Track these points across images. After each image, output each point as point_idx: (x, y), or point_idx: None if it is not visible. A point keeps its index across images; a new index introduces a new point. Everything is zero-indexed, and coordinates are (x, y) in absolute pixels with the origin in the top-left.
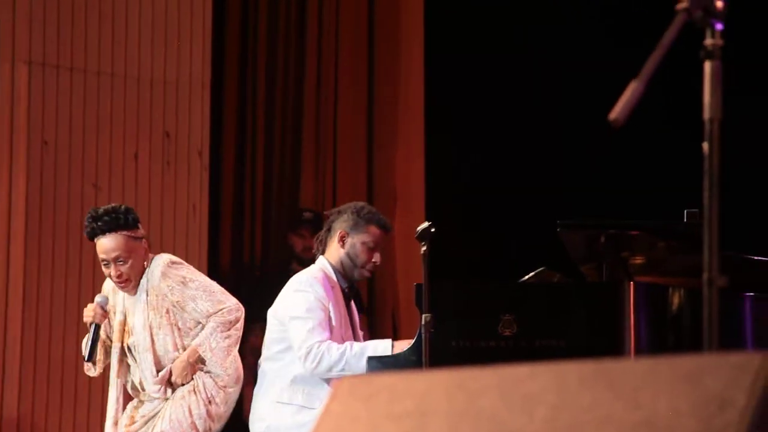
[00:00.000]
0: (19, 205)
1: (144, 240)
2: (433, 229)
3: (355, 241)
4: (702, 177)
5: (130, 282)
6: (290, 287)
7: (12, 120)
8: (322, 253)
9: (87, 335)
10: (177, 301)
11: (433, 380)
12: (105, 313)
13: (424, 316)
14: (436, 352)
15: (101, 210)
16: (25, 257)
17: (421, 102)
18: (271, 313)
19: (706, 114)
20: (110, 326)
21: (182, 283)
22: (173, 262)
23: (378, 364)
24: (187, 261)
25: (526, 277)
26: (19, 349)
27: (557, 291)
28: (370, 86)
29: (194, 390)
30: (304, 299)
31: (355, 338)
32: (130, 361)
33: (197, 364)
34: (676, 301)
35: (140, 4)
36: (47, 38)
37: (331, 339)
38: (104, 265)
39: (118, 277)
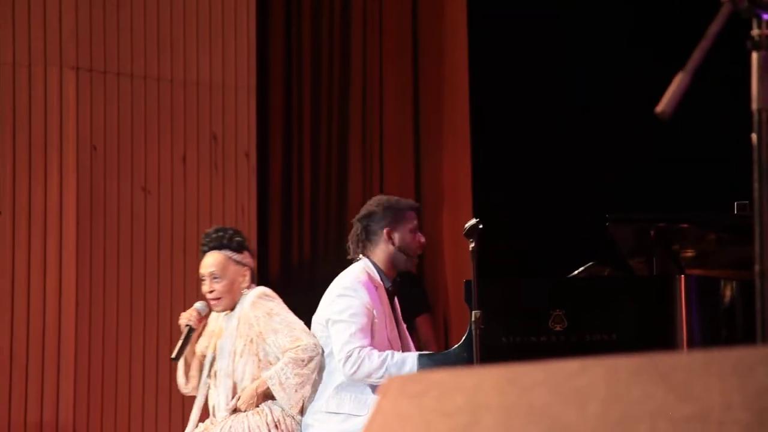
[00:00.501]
0: (69, 210)
1: (247, 268)
2: (481, 226)
3: (402, 232)
4: (751, 168)
5: (221, 301)
6: (334, 291)
7: (61, 126)
8: (362, 254)
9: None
10: (260, 332)
11: (483, 376)
12: (201, 319)
13: (473, 312)
14: (487, 348)
15: (213, 229)
16: (77, 262)
17: (466, 99)
18: (315, 319)
19: (755, 105)
20: (202, 340)
21: (268, 314)
22: (266, 294)
23: (428, 361)
24: None
25: (576, 272)
26: (73, 354)
27: (607, 285)
28: (416, 86)
29: (259, 412)
30: (348, 303)
31: (401, 336)
32: (211, 383)
33: (264, 396)
34: (727, 293)
35: (185, 9)
36: (94, 44)
37: (374, 342)
38: (202, 280)
39: (210, 292)
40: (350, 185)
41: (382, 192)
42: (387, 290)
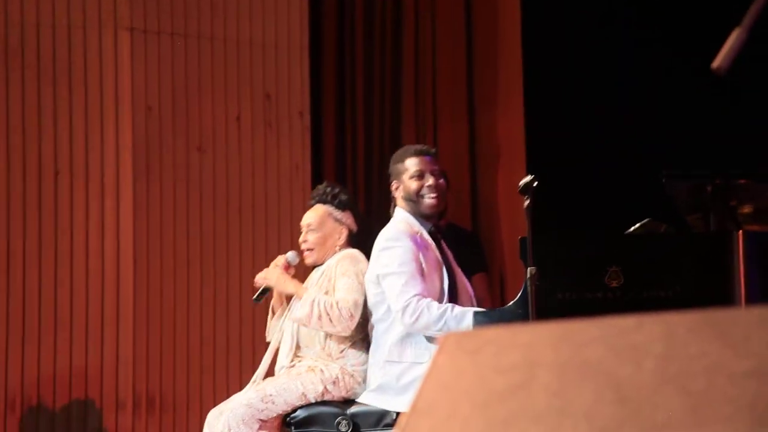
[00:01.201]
0: (126, 170)
1: (345, 228)
2: (536, 183)
3: (403, 182)
4: None
5: (312, 253)
6: (378, 246)
7: (116, 87)
8: (395, 206)
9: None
10: (334, 285)
11: (539, 333)
12: (287, 267)
13: (529, 269)
14: (542, 305)
15: (324, 184)
16: (134, 221)
17: (519, 55)
18: (367, 278)
19: None
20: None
21: (344, 274)
22: (354, 257)
23: (484, 318)
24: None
25: (632, 228)
26: (132, 311)
27: (664, 242)
28: (469, 42)
29: (313, 369)
30: (394, 254)
31: (454, 276)
32: (285, 330)
33: (288, 284)
34: None
35: None
36: (148, 5)
37: (427, 287)
38: (301, 231)
39: (303, 242)
40: (403, 143)
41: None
42: (430, 233)
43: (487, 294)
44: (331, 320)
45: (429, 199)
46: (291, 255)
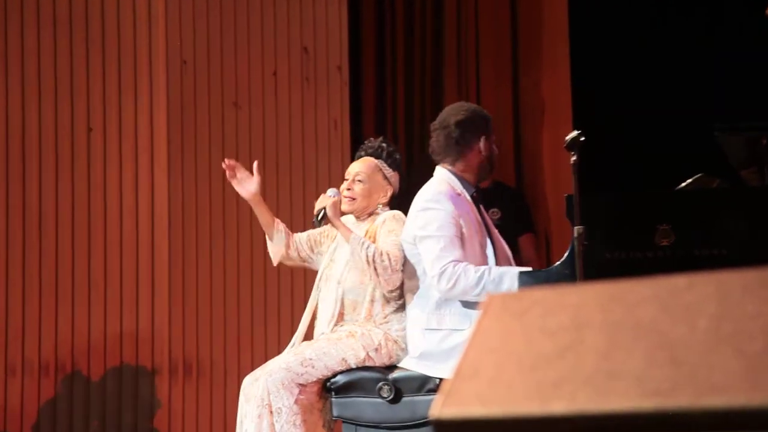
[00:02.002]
0: (160, 126)
1: (391, 188)
2: (582, 138)
3: (491, 142)
4: None
5: (354, 202)
6: (416, 206)
7: (150, 41)
8: (440, 163)
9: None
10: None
11: (587, 293)
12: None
13: (575, 228)
14: (590, 265)
15: (378, 139)
16: (169, 179)
17: (565, 10)
18: (403, 238)
19: None
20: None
21: (391, 231)
22: (400, 217)
23: (530, 279)
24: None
25: (683, 184)
26: (167, 271)
27: (716, 197)
28: (513, 1)
29: (354, 334)
30: (433, 216)
31: (493, 241)
32: (321, 292)
33: (338, 222)
34: None
35: None
36: None
37: (466, 253)
38: (345, 180)
39: (348, 190)
40: (445, 99)
41: (479, 104)
42: (472, 197)
43: (534, 255)
44: (376, 269)
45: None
46: (332, 191)
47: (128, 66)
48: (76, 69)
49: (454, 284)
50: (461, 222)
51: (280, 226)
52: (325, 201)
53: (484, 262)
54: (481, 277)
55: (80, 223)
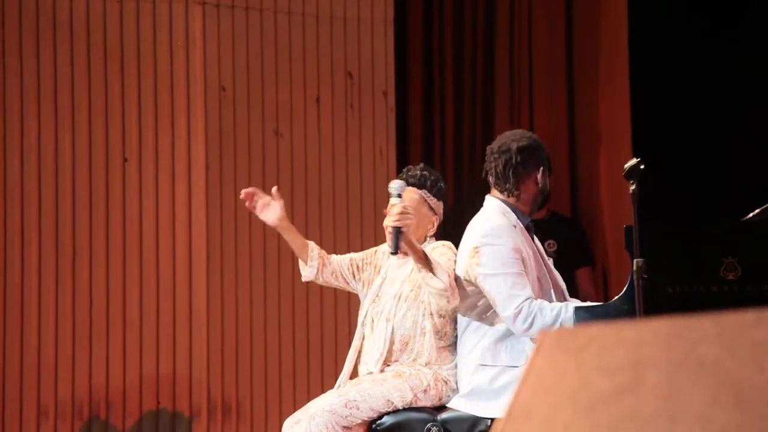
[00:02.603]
0: (198, 155)
1: (437, 218)
2: (642, 166)
3: (546, 173)
4: None
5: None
6: (472, 240)
7: (188, 65)
8: (496, 187)
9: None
10: None
11: (648, 330)
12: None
13: (635, 261)
14: (651, 299)
15: (419, 166)
16: (207, 210)
17: (624, 27)
18: (461, 273)
19: None
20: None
21: (441, 255)
22: (452, 249)
23: (587, 314)
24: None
25: (751, 215)
26: (206, 306)
27: None
28: (569, 15)
29: (401, 375)
30: (496, 253)
31: (550, 274)
32: (366, 330)
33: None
34: None
35: None
36: None
37: (531, 289)
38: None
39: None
40: (497, 126)
41: (531, 129)
42: (527, 227)
43: (592, 290)
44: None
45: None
46: (396, 186)
47: (165, 93)
48: (110, 96)
49: (532, 323)
50: (524, 254)
51: (314, 251)
52: (392, 216)
53: (542, 296)
54: (558, 315)
55: (115, 258)
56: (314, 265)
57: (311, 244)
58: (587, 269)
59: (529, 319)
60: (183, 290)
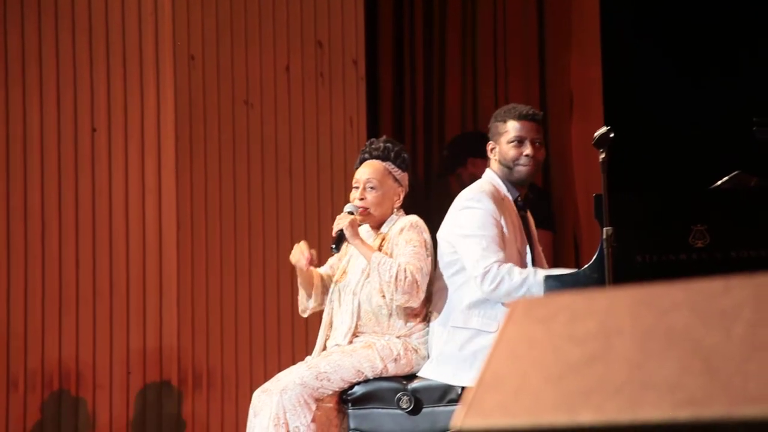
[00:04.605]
0: (167, 126)
1: (403, 189)
2: (612, 134)
3: (500, 144)
4: None
5: (367, 212)
6: (458, 204)
7: (157, 35)
8: (488, 166)
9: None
10: (396, 253)
11: (616, 298)
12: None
13: (605, 229)
14: (620, 268)
15: (382, 139)
16: (177, 181)
17: (596, 1)
18: (441, 236)
19: None
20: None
21: (409, 242)
22: (419, 226)
23: (556, 283)
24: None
25: (719, 182)
26: (176, 278)
27: (755, 196)
28: None
29: (371, 345)
30: (474, 215)
31: (533, 250)
32: (334, 304)
33: (358, 239)
34: None
35: None
36: None
37: (505, 255)
38: (354, 188)
39: (361, 199)
40: (467, 95)
41: (506, 100)
42: (515, 202)
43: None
44: (397, 288)
45: (523, 167)
46: (352, 207)
47: (134, 62)
48: (78, 66)
49: (498, 285)
50: (502, 222)
51: (318, 286)
52: (342, 221)
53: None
54: (525, 279)
55: (84, 229)
56: (318, 297)
57: (317, 275)
58: (545, 233)
59: (497, 280)
60: (153, 261)
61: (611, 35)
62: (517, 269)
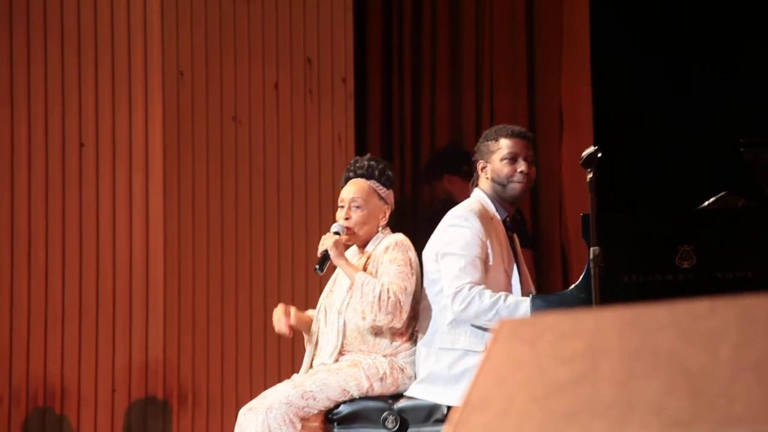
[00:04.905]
0: (155, 141)
1: (388, 207)
2: (600, 154)
3: (492, 162)
4: None
5: (355, 236)
6: (445, 222)
7: (145, 50)
8: (475, 186)
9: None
10: (380, 272)
11: (603, 319)
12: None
13: (592, 249)
14: (607, 288)
15: (366, 157)
16: (164, 197)
17: (586, 10)
18: (426, 253)
19: None
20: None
21: (393, 261)
22: (404, 244)
23: (543, 303)
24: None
25: (706, 203)
26: (162, 293)
27: (741, 218)
28: (530, 4)
29: (357, 364)
30: (459, 234)
31: (520, 272)
32: (321, 323)
33: (343, 259)
34: None
35: None
36: None
37: (490, 277)
38: (340, 207)
39: (346, 219)
40: (456, 112)
41: (492, 119)
42: (504, 223)
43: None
44: (381, 308)
45: (517, 184)
46: (338, 227)
47: (122, 77)
48: (67, 81)
49: (467, 306)
50: (488, 244)
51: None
52: (327, 241)
53: (508, 290)
54: (495, 303)
55: (71, 245)
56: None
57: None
58: (526, 251)
59: (466, 301)
60: (140, 277)
61: (601, 53)
62: (488, 292)
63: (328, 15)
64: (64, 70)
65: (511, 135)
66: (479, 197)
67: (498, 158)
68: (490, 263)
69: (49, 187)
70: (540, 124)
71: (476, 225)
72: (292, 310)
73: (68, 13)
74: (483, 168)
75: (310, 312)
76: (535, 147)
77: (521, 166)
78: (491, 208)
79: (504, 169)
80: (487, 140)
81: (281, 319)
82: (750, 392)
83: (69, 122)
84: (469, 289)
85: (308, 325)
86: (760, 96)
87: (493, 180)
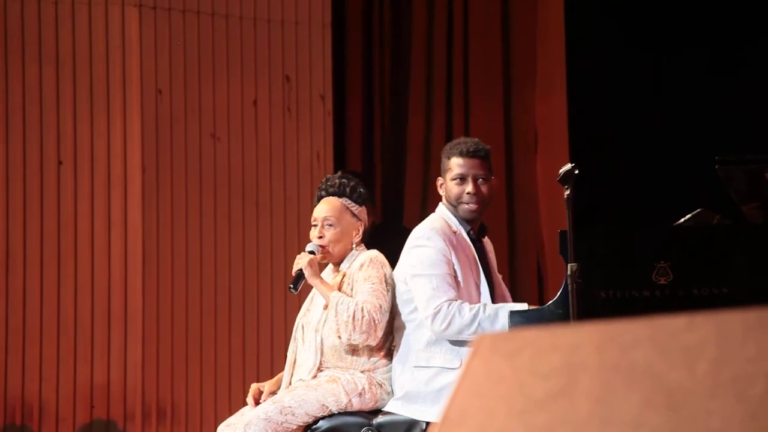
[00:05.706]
0: (134, 159)
1: (362, 224)
2: (576, 171)
3: (447, 182)
4: None
5: (329, 255)
6: (409, 243)
7: (124, 68)
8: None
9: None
10: (355, 290)
11: (581, 334)
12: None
13: (569, 265)
14: (584, 304)
15: (337, 174)
16: (143, 214)
17: (561, 29)
18: (396, 276)
19: None
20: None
21: (367, 279)
22: (378, 261)
23: (521, 318)
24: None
25: (682, 220)
26: (141, 311)
27: (717, 234)
28: (505, 15)
29: (336, 380)
30: (423, 254)
31: (492, 280)
32: (298, 342)
33: (318, 280)
34: None
35: None
36: None
37: (459, 291)
38: (313, 226)
39: (319, 237)
40: (434, 129)
41: (467, 134)
42: (469, 235)
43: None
44: (355, 328)
45: (466, 205)
46: (313, 246)
47: (101, 95)
48: (45, 98)
49: (449, 324)
50: (454, 259)
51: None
52: (301, 260)
53: (478, 301)
54: (475, 315)
55: (49, 262)
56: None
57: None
58: None
59: (447, 319)
60: (118, 295)
61: (576, 70)
62: (466, 306)
63: (307, 32)
64: (42, 88)
65: (461, 154)
66: (442, 213)
67: (449, 178)
68: (459, 279)
69: (27, 205)
70: (516, 141)
71: (439, 243)
72: (265, 387)
73: (46, 31)
74: (441, 185)
75: (278, 375)
76: (509, 163)
77: (468, 186)
78: (453, 222)
79: (453, 189)
80: (443, 157)
81: (251, 404)
82: (728, 408)
83: (47, 140)
84: (448, 307)
85: (279, 383)
86: (736, 112)
87: (447, 199)
